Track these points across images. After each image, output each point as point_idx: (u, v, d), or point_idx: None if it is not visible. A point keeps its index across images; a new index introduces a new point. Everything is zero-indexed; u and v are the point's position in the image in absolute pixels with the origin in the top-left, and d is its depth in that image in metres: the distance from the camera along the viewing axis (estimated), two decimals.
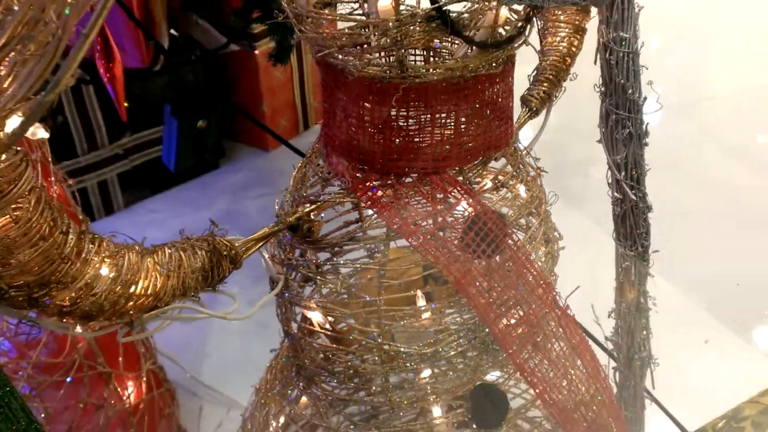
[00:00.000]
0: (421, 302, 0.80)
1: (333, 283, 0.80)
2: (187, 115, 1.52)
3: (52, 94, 0.45)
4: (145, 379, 1.16)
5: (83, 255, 0.58)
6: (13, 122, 0.48)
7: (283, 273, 0.81)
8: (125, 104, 1.38)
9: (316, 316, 0.81)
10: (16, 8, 0.43)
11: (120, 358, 1.11)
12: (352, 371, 0.83)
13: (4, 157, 0.49)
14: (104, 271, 0.59)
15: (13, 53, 0.44)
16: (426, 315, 0.78)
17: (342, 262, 0.81)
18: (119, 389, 1.11)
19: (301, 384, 0.89)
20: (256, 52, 1.91)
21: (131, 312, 0.63)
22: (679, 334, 1.37)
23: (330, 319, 0.81)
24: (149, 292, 0.63)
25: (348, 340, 0.80)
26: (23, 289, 0.55)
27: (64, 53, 0.45)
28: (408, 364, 0.79)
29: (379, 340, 0.77)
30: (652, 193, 0.92)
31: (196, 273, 0.66)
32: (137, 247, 0.63)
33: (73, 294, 0.58)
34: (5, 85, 0.45)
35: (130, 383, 1.13)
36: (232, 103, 1.97)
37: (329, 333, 0.81)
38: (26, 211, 0.52)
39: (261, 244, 0.74)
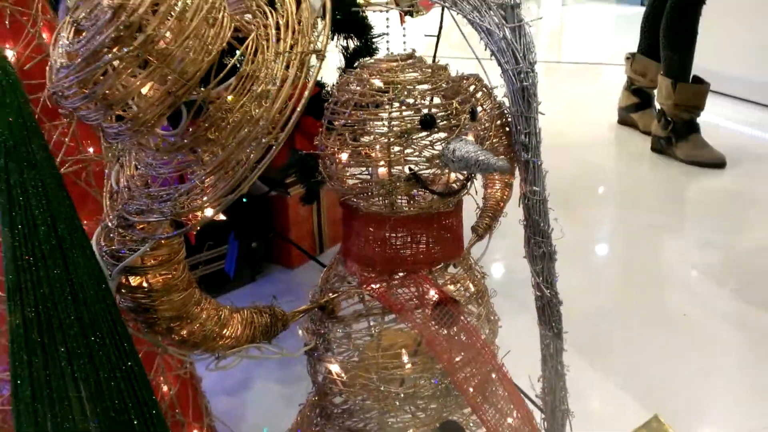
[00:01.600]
0: (405, 358, 0.99)
1: (347, 346, 0.99)
2: (244, 238, 1.75)
3: (233, 196, 0.60)
4: (205, 430, 1.30)
5: (202, 304, 0.76)
6: (208, 212, 0.64)
7: (313, 339, 1.00)
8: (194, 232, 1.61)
9: (335, 369, 0.98)
10: (221, 153, 0.59)
11: (190, 411, 1.25)
12: (358, 408, 1.01)
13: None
14: (210, 316, 0.77)
15: (213, 175, 0.60)
16: (408, 366, 0.98)
17: (353, 332, 1.00)
18: None
19: (323, 421, 1.06)
20: (289, 196, 2.15)
21: (220, 347, 0.80)
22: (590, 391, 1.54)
23: (344, 373, 0.99)
24: (233, 336, 0.81)
25: (356, 384, 0.98)
26: (166, 321, 0.72)
27: None
28: (396, 402, 0.98)
29: (377, 384, 0.95)
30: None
31: (261, 327, 0.84)
32: (229, 306, 0.83)
33: (191, 329, 0.75)
34: (208, 191, 0.61)
35: (195, 431, 1.28)
36: (273, 232, 2.20)
37: (344, 380, 0.98)
38: (178, 271, 0.72)
39: (301, 315, 0.94)
